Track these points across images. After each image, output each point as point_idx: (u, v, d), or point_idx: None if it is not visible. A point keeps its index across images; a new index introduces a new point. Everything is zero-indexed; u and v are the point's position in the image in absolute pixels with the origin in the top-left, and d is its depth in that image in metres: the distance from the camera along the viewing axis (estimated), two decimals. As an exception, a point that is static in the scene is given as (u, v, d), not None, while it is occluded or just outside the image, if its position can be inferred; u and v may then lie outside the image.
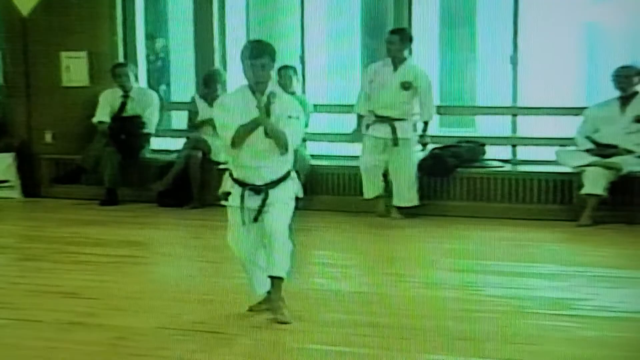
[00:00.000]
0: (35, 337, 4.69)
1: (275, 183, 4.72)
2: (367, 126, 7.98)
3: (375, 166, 7.94)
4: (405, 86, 7.79)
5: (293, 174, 4.85)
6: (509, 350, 4.32)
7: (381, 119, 7.87)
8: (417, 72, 7.87)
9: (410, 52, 7.99)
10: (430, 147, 8.41)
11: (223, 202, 4.83)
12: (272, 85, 4.74)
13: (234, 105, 4.76)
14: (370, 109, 7.96)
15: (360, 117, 8.10)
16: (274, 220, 4.66)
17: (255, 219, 4.71)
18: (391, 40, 7.87)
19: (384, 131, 7.84)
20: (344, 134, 8.27)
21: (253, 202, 4.72)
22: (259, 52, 4.63)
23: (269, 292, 4.80)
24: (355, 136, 8.17)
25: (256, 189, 4.70)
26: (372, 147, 7.93)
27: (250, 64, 4.61)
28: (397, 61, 7.86)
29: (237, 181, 4.77)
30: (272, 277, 4.70)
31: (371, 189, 7.97)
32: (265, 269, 4.73)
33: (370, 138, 7.94)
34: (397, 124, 7.81)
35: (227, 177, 4.90)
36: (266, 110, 4.64)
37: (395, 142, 7.82)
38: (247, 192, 4.71)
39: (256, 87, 4.66)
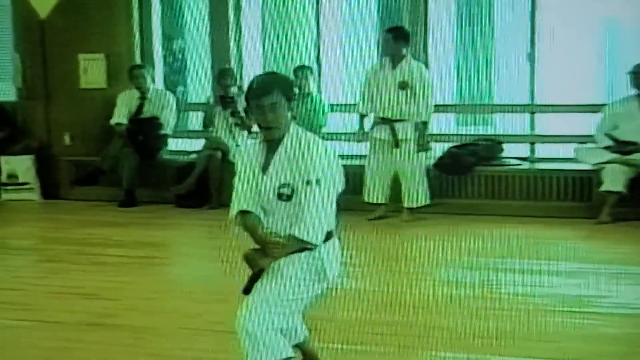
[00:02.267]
0: (54, 337, 4.71)
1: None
2: (372, 127, 7.94)
3: (379, 168, 7.86)
4: (402, 86, 7.66)
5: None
6: (528, 348, 4.31)
7: (383, 121, 7.82)
8: (413, 70, 7.71)
9: (408, 50, 7.85)
10: (447, 145, 8.38)
11: None
12: (293, 130, 3.53)
13: (246, 159, 3.64)
14: (372, 110, 7.92)
15: (362, 117, 8.02)
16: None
17: None
18: (386, 38, 7.77)
19: (386, 132, 7.76)
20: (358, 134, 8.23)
21: None
22: (265, 88, 3.47)
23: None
24: (358, 136, 8.12)
25: None
26: (377, 149, 7.89)
27: (255, 105, 3.48)
28: (396, 60, 7.73)
29: None
30: None
31: (372, 192, 7.89)
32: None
33: (374, 140, 7.89)
34: (397, 125, 7.69)
35: None
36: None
37: (396, 144, 7.73)
38: None
39: (267, 134, 3.51)
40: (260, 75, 3.63)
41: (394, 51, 7.72)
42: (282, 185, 3.46)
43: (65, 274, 6.22)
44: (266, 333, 3.45)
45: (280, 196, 3.46)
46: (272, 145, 3.52)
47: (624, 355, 4.18)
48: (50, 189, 9.52)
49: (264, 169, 3.52)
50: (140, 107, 9.10)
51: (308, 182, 3.37)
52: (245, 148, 3.66)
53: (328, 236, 3.50)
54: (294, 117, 3.58)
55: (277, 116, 3.45)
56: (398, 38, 7.73)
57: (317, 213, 3.38)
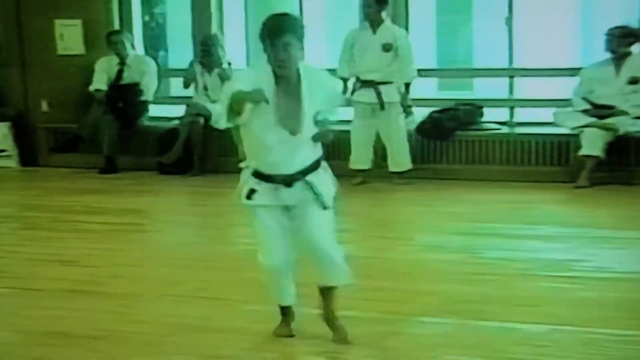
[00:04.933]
0: (35, 305, 4.70)
1: (309, 171, 3.82)
2: (353, 91, 7.94)
3: (365, 134, 7.89)
4: (386, 48, 7.70)
5: (324, 164, 3.94)
6: (508, 312, 4.35)
7: (366, 84, 7.83)
8: (396, 32, 7.78)
9: (387, 14, 7.86)
10: (428, 110, 8.40)
11: (246, 202, 3.85)
12: (300, 68, 3.73)
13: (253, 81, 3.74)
14: (354, 74, 7.92)
15: (344, 81, 7.96)
16: (315, 226, 3.80)
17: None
18: (368, 4, 7.74)
19: (370, 96, 7.78)
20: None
21: (288, 197, 3.82)
22: (280, 28, 3.65)
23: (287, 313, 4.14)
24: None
25: (288, 180, 3.80)
26: (361, 113, 7.90)
27: (269, 44, 3.66)
28: (376, 24, 7.76)
29: (262, 175, 3.82)
30: (327, 288, 3.95)
31: (358, 159, 7.93)
32: (319, 279, 3.97)
33: (357, 104, 7.90)
34: (382, 87, 7.72)
35: (247, 175, 3.88)
36: None
37: (381, 106, 7.76)
38: (276, 186, 3.81)
39: (278, 71, 3.70)
40: (274, 15, 3.78)
41: (376, 16, 7.74)
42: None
43: (45, 241, 6.20)
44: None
45: (316, 123, 3.70)
46: (280, 80, 3.71)
47: (604, 319, 4.22)
48: (28, 157, 9.48)
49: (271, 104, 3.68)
50: (119, 74, 9.04)
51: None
52: (250, 71, 3.89)
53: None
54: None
55: (289, 55, 3.64)
56: (381, 3, 7.73)
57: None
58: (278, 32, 3.63)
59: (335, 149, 8.00)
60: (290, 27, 3.67)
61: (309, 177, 3.80)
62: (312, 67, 3.83)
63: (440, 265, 5.30)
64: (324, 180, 3.87)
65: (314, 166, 3.84)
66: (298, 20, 3.80)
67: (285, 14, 3.80)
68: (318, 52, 9.40)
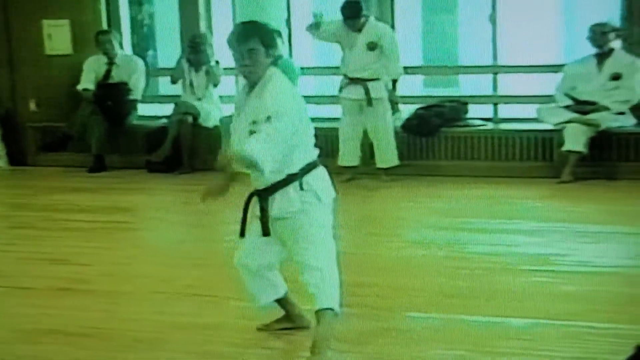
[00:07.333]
0: (26, 303, 4.74)
1: (276, 187, 3.81)
2: (341, 89, 8.00)
3: (353, 131, 7.95)
4: (371, 46, 7.76)
5: (316, 173, 3.90)
6: (492, 307, 4.42)
7: (354, 81, 7.89)
8: (380, 30, 7.83)
9: (371, 13, 7.93)
10: (414, 107, 8.47)
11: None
12: (268, 73, 3.74)
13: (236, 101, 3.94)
14: (342, 71, 7.98)
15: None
16: (303, 252, 3.86)
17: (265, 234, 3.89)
18: (353, 24, 7.72)
19: (358, 93, 7.83)
20: (331, 97, 8.29)
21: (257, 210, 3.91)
22: (244, 35, 3.72)
23: (283, 306, 4.17)
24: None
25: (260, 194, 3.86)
26: (349, 110, 7.96)
27: (235, 50, 3.74)
28: (359, 24, 7.78)
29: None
30: (318, 311, 3.83)
31: (346, 156, 7.99)
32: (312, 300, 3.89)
33: (345, 101, 7.96)
34: (369, 84, 7.78)
35: None
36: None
37: (369, 102, 7.80)
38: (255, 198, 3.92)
39: (245, 77, 3.79)
40: (242, 23, 3.93)
41: (354, 22, 7.75)
42: (252, 122, 3.68)
43: (34, 240, 6.23)
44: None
45: (251, 133, 3.66)
46: (251, 87, 3.78)
47: (584, 313, 4.30)
48: (17, 156, 9.48)
49: (241, 109, 3.80)
50: (107, 73, 9.07)
51: (268, 118, 3.60)
52: (238, 90, 4.08)
53: (312, 166, 3.85)
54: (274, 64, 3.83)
55: (254, 61, 3.71)
56: (359, 15, 7.75)
57: (259, 143, 3.56)
58: (243, 38, 3.71)
59: (323, 145, 8.07)
60: (255, 33, 3.72)
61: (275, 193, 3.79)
62: (278, 77, 3.77)
63: (426, 260, 5.36)
64: (287, 199, 3.80)
65: (282, 182, 3.78)
66: (265, 27, 3.82)
67: (252, 21, 3.90)
68: (305, 52, 9.44)
